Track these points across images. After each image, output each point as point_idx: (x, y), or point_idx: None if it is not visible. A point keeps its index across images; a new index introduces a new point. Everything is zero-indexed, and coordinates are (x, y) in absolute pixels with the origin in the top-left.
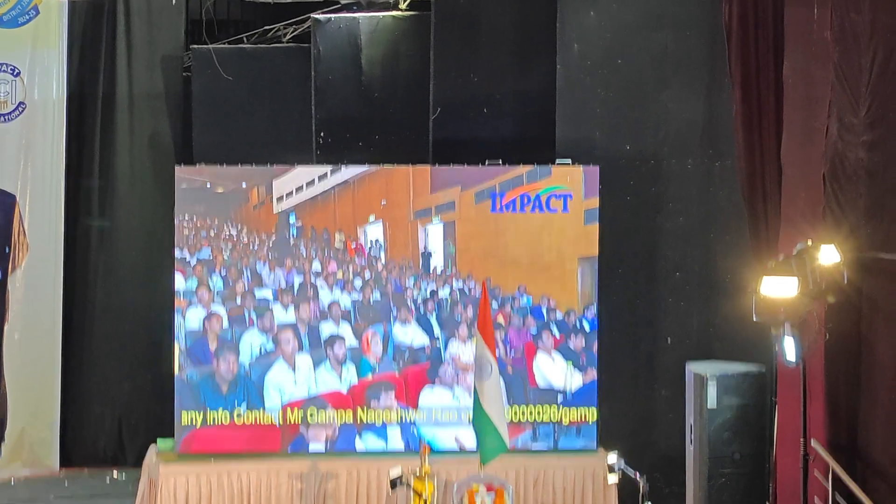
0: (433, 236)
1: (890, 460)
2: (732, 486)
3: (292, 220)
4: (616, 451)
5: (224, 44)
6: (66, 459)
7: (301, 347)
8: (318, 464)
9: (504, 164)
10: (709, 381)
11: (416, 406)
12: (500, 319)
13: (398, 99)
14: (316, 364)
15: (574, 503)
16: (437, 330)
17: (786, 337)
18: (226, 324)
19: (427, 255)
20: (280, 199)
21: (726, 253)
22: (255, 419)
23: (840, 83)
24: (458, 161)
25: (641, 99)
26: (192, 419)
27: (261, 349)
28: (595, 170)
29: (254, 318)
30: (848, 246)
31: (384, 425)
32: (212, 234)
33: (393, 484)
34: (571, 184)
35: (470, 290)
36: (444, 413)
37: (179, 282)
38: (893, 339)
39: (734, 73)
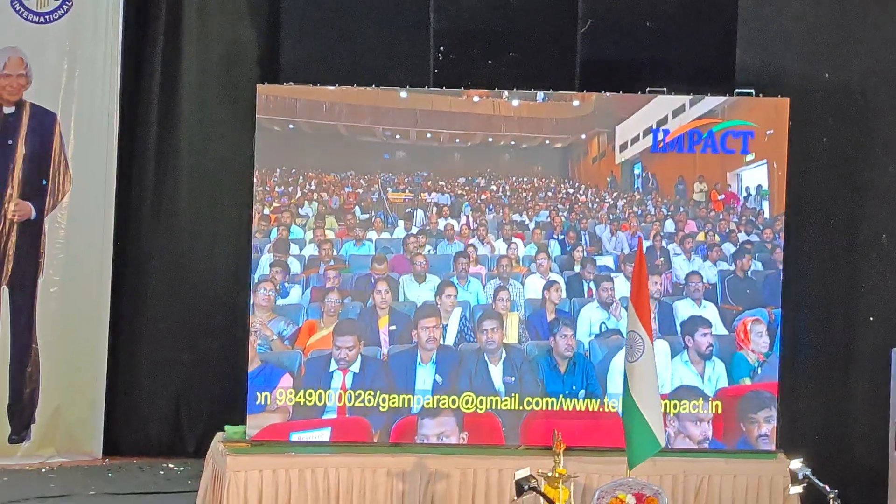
0: None
1: None
2: None
3: (637, 170)
4: (800, 457)
5: None
6: (111, 447)
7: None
8: (426, 460)
9: (669, 92)
10: None
11: None
12: None
13: (539, 8)
14: (672, 354)
15: None
16: None
17: None
18: (564, 294)
19: None
20: (624, 146)
21: None
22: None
23: None
24: (610, 87)
25: (846, 15)
26: (267, 400)
27: (600, 327)
28: (784, 102)
29: (592, 288)
30: None
31: None
32: (548, 194)
33: (519, 488)
34: (754, 119)
35: None
36: None
37: (520, 248)
38: None
39: None
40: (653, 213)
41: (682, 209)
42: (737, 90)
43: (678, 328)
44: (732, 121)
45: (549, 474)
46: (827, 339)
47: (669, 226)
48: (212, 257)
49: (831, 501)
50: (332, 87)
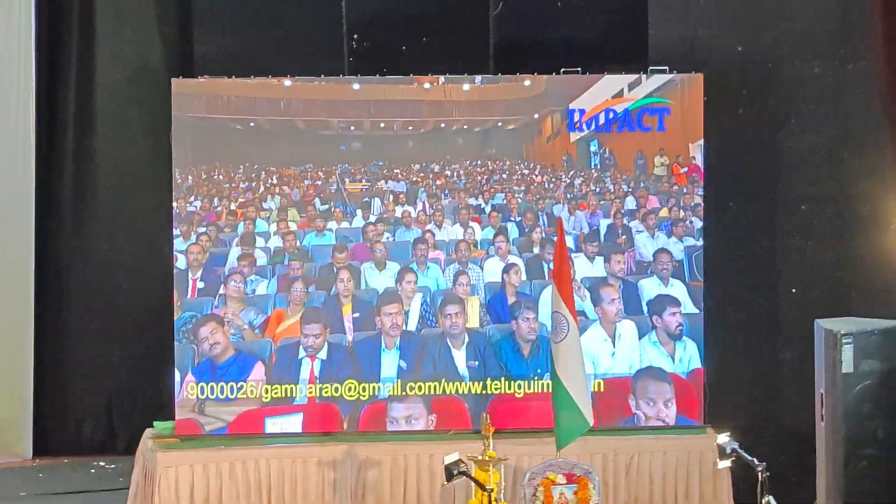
0: None
1: None
2: (875, 471)
3: (594, 147)
4: (728, 432)
5: None
6: (41, 447)
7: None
8: (356, 448)
9: (584, 72)
10: (843, 340)
11: None
12: None
13: None
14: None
15: (677, 495)
16: None
17: None
18: (524, 276)
19: None
20: (578, 124)
21: (864, 179)
22: None
23: None
24: (524, 69)
25: None
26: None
27: None
28: (698, 78)
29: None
30: None
31: None
32: (503, 176)
33: (449, 473)
34: (668, 95)
35: None
36: None
37: (478, 232)
38: None
39: None
40: (612, 190)
41: (642, 185)
42: (651, 67)
43: (645, 308)
44: (647, 98)
45: (479, 458)
46: (751, 312)
47: (630, 202)
48: (136, 255)
49: (759, 474)
50: (247, 80)
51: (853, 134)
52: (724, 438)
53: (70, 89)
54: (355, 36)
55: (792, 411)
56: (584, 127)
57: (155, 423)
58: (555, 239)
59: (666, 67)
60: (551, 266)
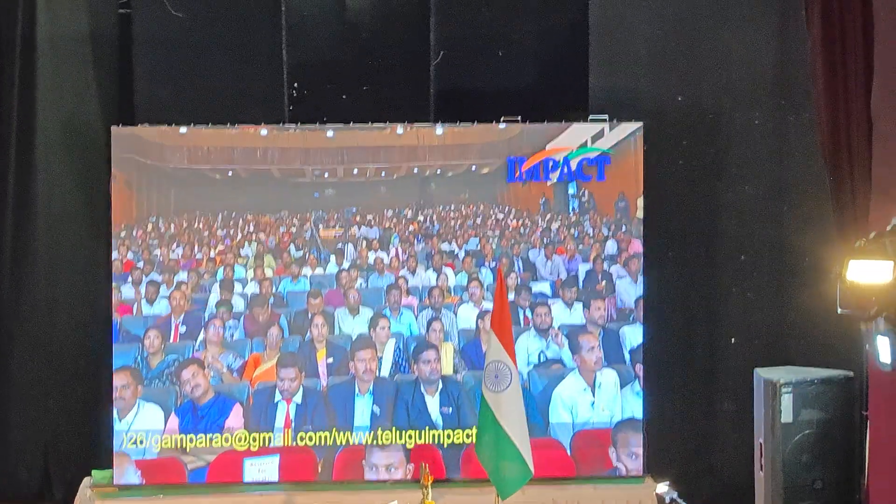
0: None
1: None
2: None
3: (572, 190)
4: (668, 481)
5: None
6: None
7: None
8: (296, 498)
9: (524, 121)
10: (783, 389)
11: None
12: None
13: (391, 40)
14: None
15: None
16: None
17: (879, 334)
18: None
19: None
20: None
21: (803, 230)
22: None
23: None
24: (465, 118)
25: (696, 38)
26: (137, 442)
27: (539, 356)
28: (638, 127)
29: (528, 316)
30: None
31: None
32: (477, 221)
33: None
34: (609, 145)
35: None
36: None
37: (451, 278)
38: None
39: (811, 4)
40: (591, 234)
41: (624, 228)
42: (591, 116)
43: (627, 356)
44: (587, 147)
45: None
46: (691, 361)
47: (611, 247)
48: (72, 303)
49: None
50: (186, 128)
51: (793, 184)
52: (663, 488)
53: (12, 135)
54: (295, 84)
55: (731, 461)
56: (525, 176)
57: (93, 472)
58: (530, 285)
59: (606, 116)
60: (527, 313)
